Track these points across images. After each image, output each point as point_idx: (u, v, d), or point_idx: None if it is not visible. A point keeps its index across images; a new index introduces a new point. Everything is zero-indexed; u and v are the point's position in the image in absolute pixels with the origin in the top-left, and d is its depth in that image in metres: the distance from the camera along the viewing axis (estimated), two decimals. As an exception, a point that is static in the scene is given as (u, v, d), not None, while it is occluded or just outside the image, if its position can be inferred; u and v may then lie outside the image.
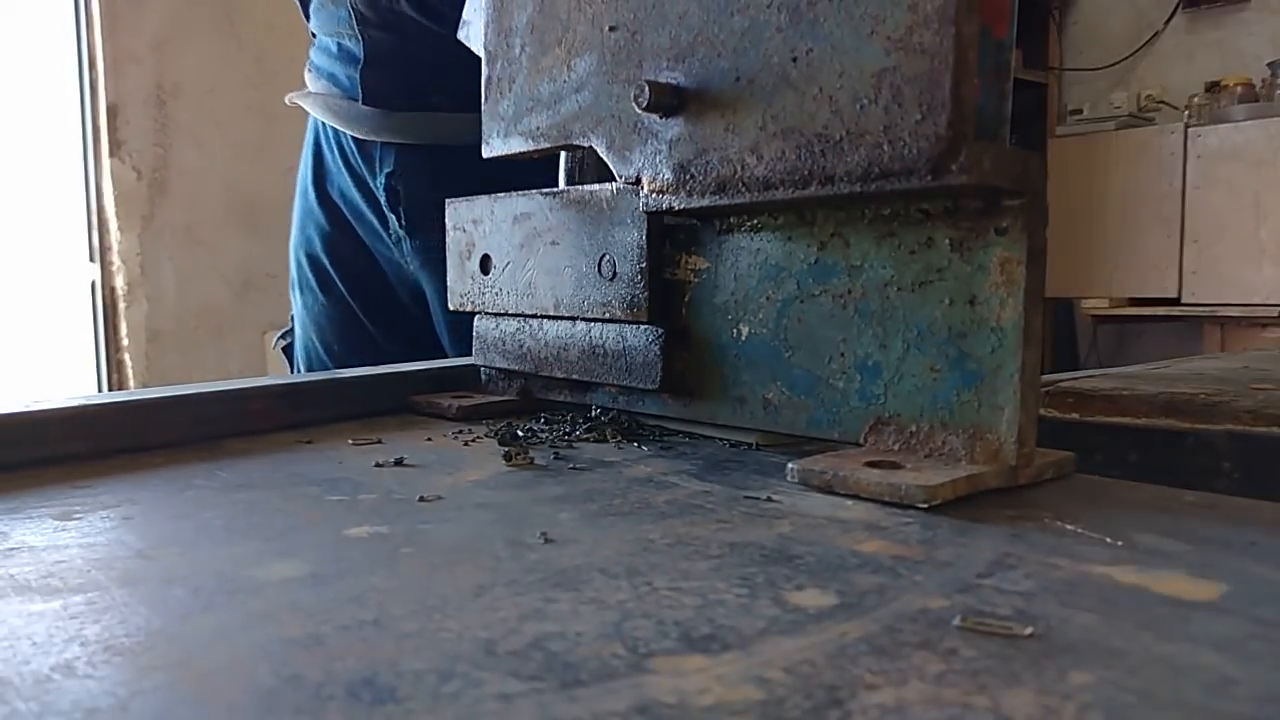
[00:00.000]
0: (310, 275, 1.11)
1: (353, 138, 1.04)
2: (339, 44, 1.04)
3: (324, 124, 1.08)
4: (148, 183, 2.72)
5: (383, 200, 1.03)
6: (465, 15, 0.67)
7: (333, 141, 1.08)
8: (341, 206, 1.09)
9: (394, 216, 1.03)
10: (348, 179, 1.07)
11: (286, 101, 1.11)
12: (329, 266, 1.10)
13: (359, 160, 1.05)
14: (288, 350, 1.16)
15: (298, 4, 1.10)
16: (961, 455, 0.43)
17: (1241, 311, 3.35)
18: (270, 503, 0.43)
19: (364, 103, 1.00)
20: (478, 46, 0.65)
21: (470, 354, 0.71)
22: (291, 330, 1.15)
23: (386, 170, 1.02)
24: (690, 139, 0.50)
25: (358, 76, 1.00)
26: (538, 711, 0.23)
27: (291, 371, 1.15)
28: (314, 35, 1.08)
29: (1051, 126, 3.97)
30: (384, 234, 1.06)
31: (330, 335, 1.10)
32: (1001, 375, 0.42)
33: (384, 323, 1.09)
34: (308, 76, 1.09)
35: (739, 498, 0.43)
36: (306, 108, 1.10)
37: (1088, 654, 0.25)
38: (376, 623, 0.28)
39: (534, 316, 0.65)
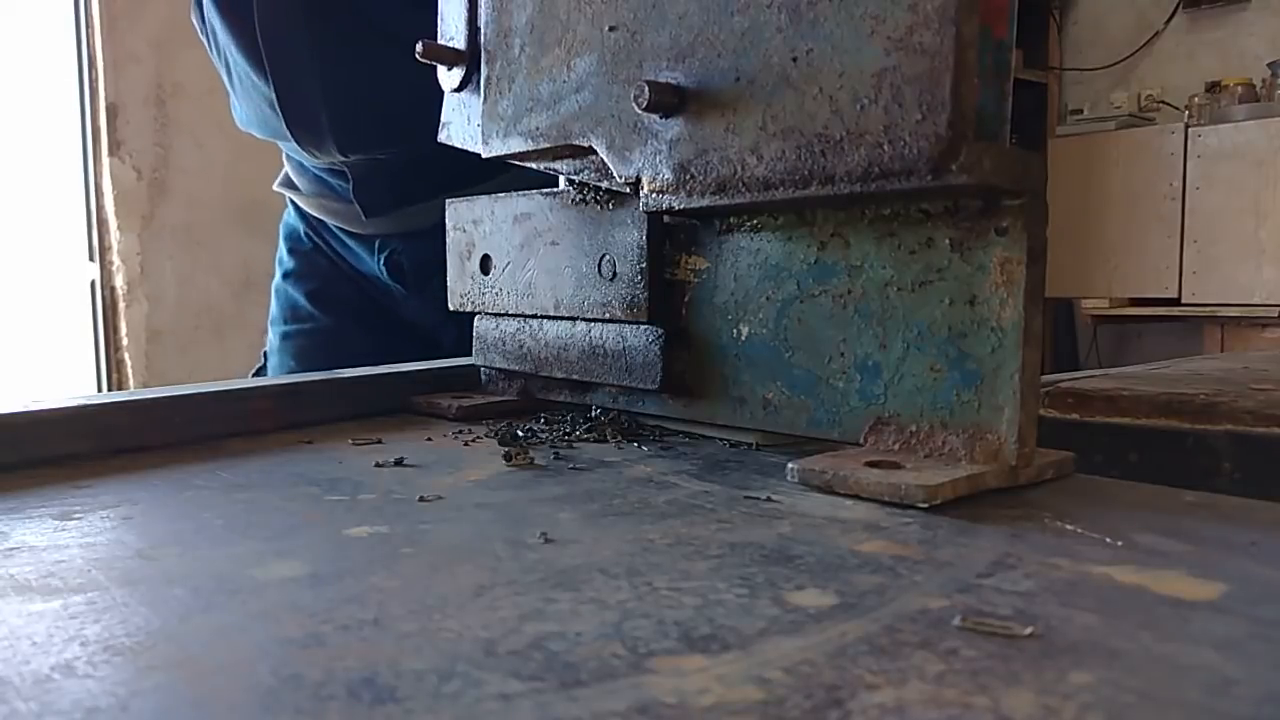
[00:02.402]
0: (304, 307, 1.11)
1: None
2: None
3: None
4: (148, 183, 2.72)
5: (384, 274, 1.06)
6: (444, 116, 0.68)
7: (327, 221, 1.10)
8: (336, 260, 1.11)
9: (397, 285, 1.06)
10: (346, 246, 1.09)
11: (274, 189, 1.12)
12: (318, 300, 1.11)
13: (355, 240, 1.07)
14: None
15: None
16: (961, 455, 0.43)
17: (1241, 312, 3.35)
18: (270, 503, 0.43)
19: (364, 217, 1.01)
20: (459, 143, 0.67)
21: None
22: (263, 367, 1.15)
23: (388, 250, 1.05)
24: (690, 139, 0.50)
25: (349, 189, 1.01)
26: (538, 711, 0.23)
27: None
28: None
29: (1051, 126, 3.96)
30: (390, 290, 1.08)
31: (316, 360, 1.10)
32: (1001, 375, 0.42)
33: (381, 332, 1.10)
34: (288, 164, 1.08)
35: (739, 498, 0.43)
36: (302, 206, 1.10)
37: (1088, 654, 0.25)
38: (376, 623, 0.28)
39: (534, 317, 0.65)
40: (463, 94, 0.66)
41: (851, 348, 0.47)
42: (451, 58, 0.65)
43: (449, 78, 0.66)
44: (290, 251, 1.13)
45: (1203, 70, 3.73)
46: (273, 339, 1.13)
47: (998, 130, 0.45)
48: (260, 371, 1.15)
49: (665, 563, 0.33)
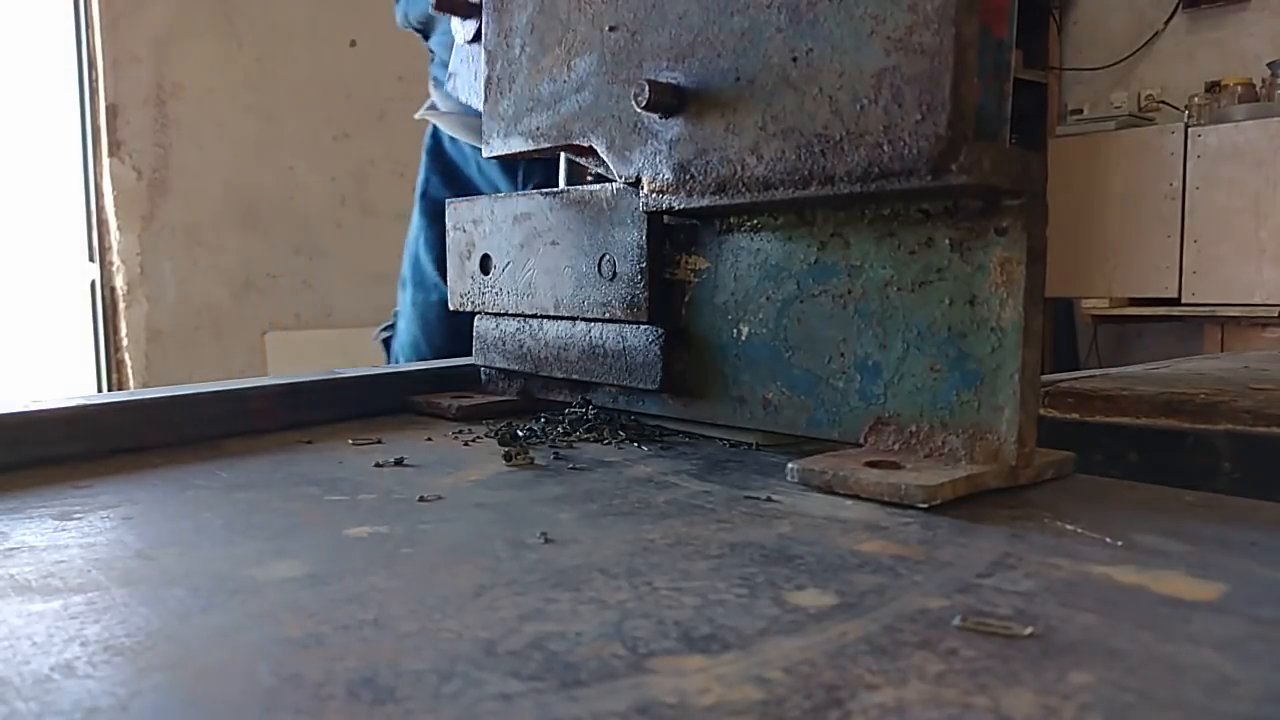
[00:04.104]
0: (427, 272, 1.13)
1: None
2: None
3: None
4: (148, 183, 2.71)
5: None
6: (451, 66, 0.68)
7: (465, 152, 1.10)
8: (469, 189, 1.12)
9: None
10: (480, 185, 1.10)
11: (415, 118, 1.13)
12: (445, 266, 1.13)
13: (497, 172, 1.08)
14: (387, 342, 1.20)
15: (415, 30, 1.11)
16: (961, 455, 0.43)
17: (1241, 311, 3.35)
18: (270, 503, 0.43)
19: None
20: (465, 96, 0.67)
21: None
22: (393, 325, 1.18)
23: (533, 180, 1.05)
24: (690, 139, 0.50)
25: None
26: (538, 711, 0.23)
27: (388, 363, 1.18)
28: (432, 52, 1.11)
29: (1051, 126, 3.96)
30: None
31: (436, 330, 1.12)
32: (1001, 375, 0.42)
33: None
34: (434, 91, 1.11)
35: (739, 498, 0.43)
36: (441, 126, 1.12)
37: (1088, 654, 0.25)
38: (376, 623, 0.28)
39: (534, 316, 0.65)
40: (475, 46, 0.66)
41: (851, 348, 0.47)
42: (466, 10, 0.65)
43: (463, 29, 0.66)
44: (426, 179, 1.13)
45: (1203, 70, 3.73)
46: (403, 302, 1.14)
47: (997, 130, 0.45)
48: (389, 329, 1.17)
49: (665, 563, 0.33)
